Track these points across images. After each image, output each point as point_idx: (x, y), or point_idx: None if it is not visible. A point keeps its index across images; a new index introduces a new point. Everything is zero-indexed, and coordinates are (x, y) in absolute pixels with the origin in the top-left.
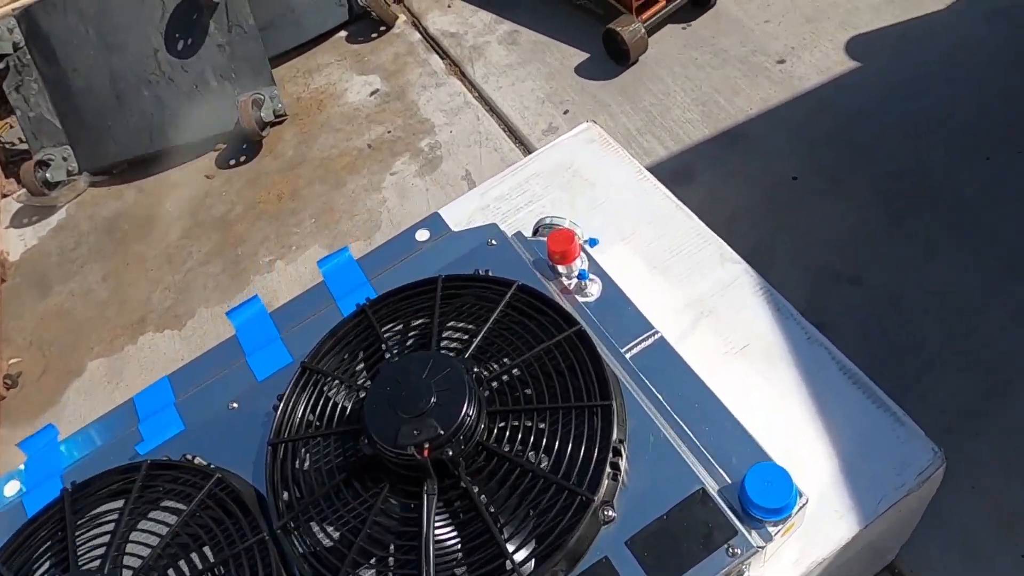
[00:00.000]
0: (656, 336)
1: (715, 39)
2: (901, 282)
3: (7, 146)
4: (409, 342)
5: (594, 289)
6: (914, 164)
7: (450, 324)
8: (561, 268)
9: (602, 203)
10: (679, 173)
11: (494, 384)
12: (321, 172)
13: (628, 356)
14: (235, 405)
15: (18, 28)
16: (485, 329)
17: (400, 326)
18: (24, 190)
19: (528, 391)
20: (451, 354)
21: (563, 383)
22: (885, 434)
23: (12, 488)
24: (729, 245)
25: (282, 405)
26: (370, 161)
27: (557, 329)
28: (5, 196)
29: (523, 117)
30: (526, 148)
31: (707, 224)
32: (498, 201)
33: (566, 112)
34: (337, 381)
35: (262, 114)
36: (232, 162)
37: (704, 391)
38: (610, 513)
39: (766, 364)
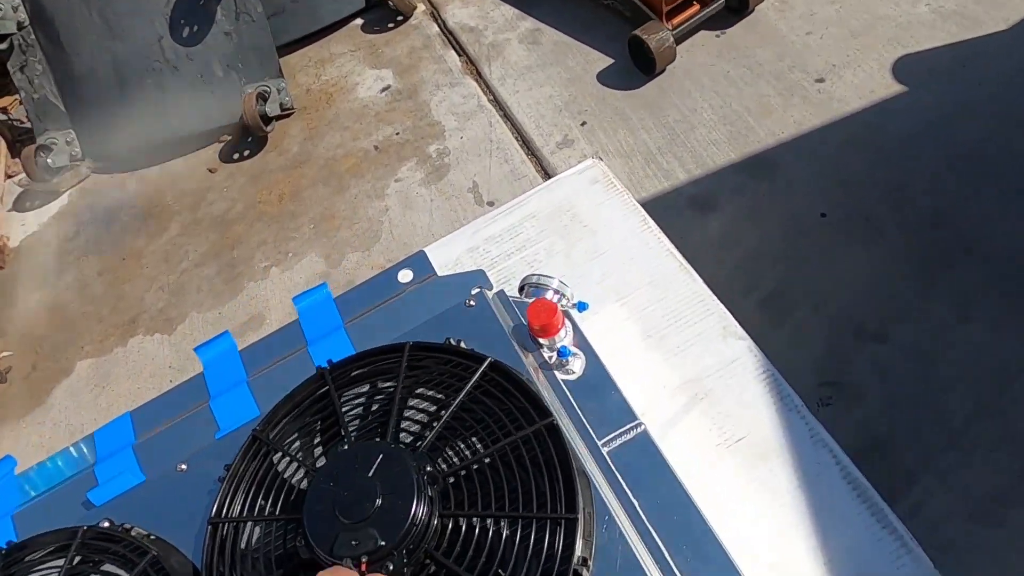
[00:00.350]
0: (639, 429)
1: (750, 50)
2: (931, 342)
3: (15, 123)
4: (369, 416)
5: (576, 366)
6: (957, 207)
7: (412, 403)
8: (543, 340)
9: (600, 255)
10: (699, 201)
11: (451, 479)
12: (325, 173)
13: (605, 450)
14: (184, 467)
15: (23, 7)
16: (447, 415)
17: (362, 398)
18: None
19: (488, 488)
20: (409, 439)
21: (527, 484)
22: (887, 560)
23: None
24: (746, 285)
25: (228, 478)
26: (375, 164)
27: (527, 420)
28: (10, 177)
29: (538, 127)
30: (538, 161)
31: (724, 261)
32: (488, 243)
33: (583, 124)
34: (288, 457)
35: (267, 108)
36: (236, 156)
37: (686, 502)
38: None
39: (762, 462)
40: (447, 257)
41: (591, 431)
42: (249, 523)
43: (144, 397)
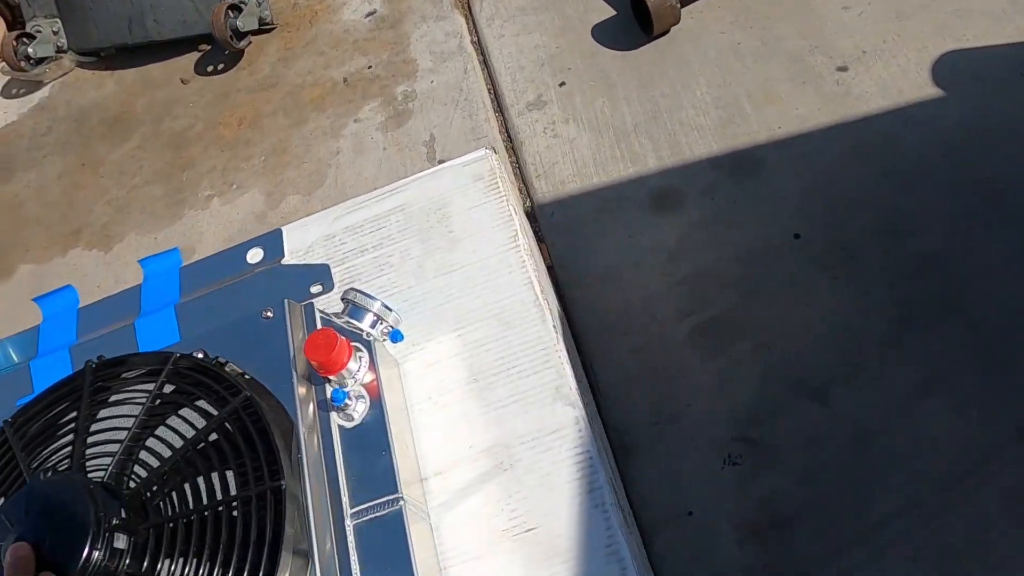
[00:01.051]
0: (395, 506)
1: (771, 22)
2: (878, 415)
3: (13, 6)
4: (62, 454)
5: (358, 410)
6: (958, 256)
7: (96, 429)
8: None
9: (454, 270)
10: (662, 196)
11: (144, 493)
12: (289, 102)
13: (352, 522)
14: None
15: None
16: (133, 427)
17: (50, 438)
18: None
19: (190, 490)
20: (103, 463)
21: (230, 550)
22: None
23: None
24: (686, 306)
25: None
26: (340, 99)
27: (220, 406)
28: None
29: (513, 80)
30: (503, 122)
31: (670, 274)
32: (347, 233)
33: (562, 84)
34: None
35: (241, 22)
36: (210, 68)
37: None
38: None
39: (545, 563)
40: (301, 241)
41: (344, 494)
42: None
43: None
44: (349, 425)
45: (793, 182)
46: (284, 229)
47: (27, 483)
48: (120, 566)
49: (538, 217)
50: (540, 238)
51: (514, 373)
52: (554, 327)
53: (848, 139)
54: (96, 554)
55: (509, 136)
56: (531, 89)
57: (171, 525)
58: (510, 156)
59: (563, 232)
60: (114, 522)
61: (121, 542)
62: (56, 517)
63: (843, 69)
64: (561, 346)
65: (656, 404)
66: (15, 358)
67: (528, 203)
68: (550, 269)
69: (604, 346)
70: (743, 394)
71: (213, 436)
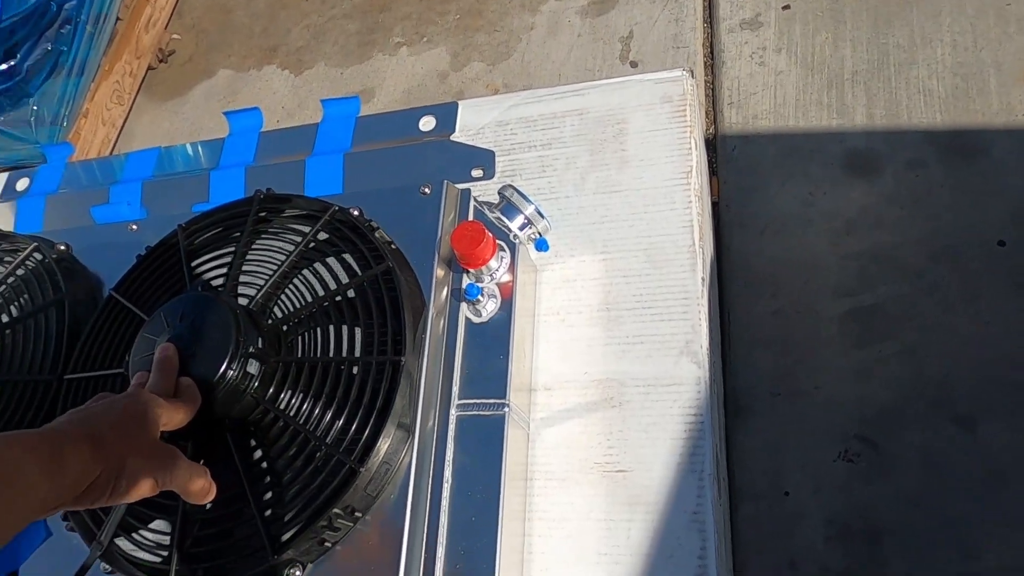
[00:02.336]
0: (501, 411)
1: None
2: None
3: None
4: (219, 271)
5: (488, 308)
6: None
7: (252, 258)
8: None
9: (615, 192)
10: (859, 159)
11: (281, 328)
12: None
13: (454, 410)
14: (135, 228)
15: None
16: (285, 264)
17: (211, 253)
18: None
19: (320, 337)
20: (249, 290)
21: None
22: None
23: (23, 183)
24: (847, 284)
25: (86, 332)
26: None
27: (364, 268)
28: None
29: None
30: (709, 35)
31: (840, 244)
32: (519, 123)
33: (786, 7)
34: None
35: None
36: None
37: (492, 516)
38: (296, 573)
39: (626, 509)
40: (474, 121)
41: (455, 384)
42: (94, 378)
43: None
44: (476, 320)
45: (1016, 181)
46: (460, 104)
47: (187, 292)
48: (248, 387)
49: (718, 148)
50: (713, 170)
51: (648, 314)
52: (703, 279)
53: None
54: (231, 372)
55: (711, 53)
56: (750, 5)
57: (298, 365)
58: (706, 75)
59: (739, 170)
60: (251, 349)
61: (253, 368)
62: (204, 330)
63: None
64: (704, 301)
65: (781, 375)
66: (202, 162)
67: (711, 130)
68: (714, 205)
69: (745, 300)
70: (880, 395)
71: (350, 293)
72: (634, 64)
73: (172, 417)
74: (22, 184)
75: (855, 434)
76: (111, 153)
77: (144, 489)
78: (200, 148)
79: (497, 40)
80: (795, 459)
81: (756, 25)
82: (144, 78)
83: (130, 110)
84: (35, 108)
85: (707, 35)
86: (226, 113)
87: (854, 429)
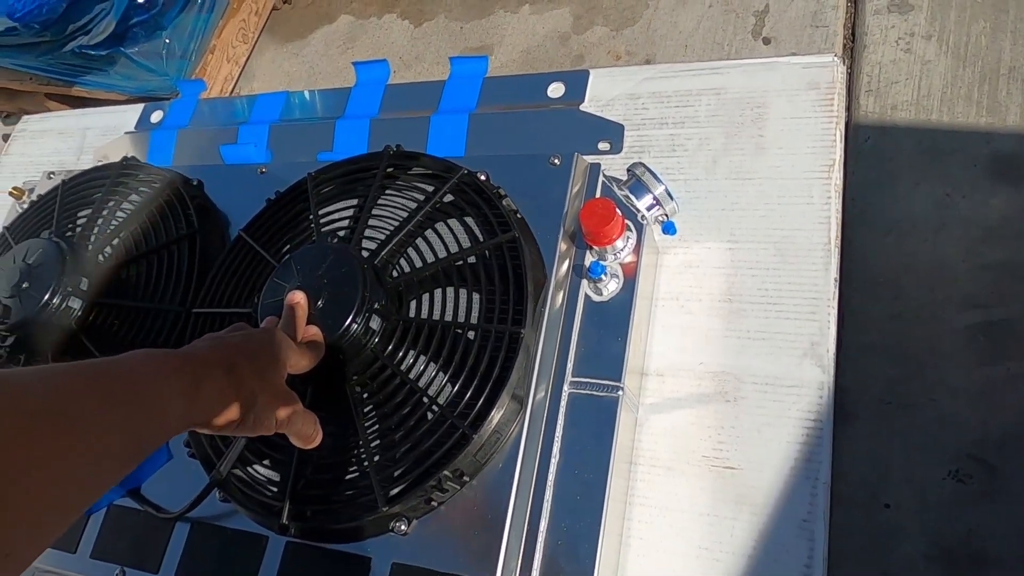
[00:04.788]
0: (615, 394)
1: None
2: None
3: None
4: (343, 222)
5: (609, 288)
6: None
7: (376, 212)
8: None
9: (748, 179)
10: (1006, 162)
11: (402, 287)
12: None
13: (567, 387)
14: (264, 171)
15: None
16: (412, 224)
17: (338, 204)
18: None
19: (440, 299)
20: (371, 244)
21: (478, 296)
22: None
23: (157, 116)
24: (977, 296)
25: (215, 269)
26: None
27: (488, 234)
28: None
29: None
30: (852, 15)
31: (976, 252)
32: (652, 98)
33: None
34: (263, 255)
35: None
36: None
37: (599, 497)
38: (402, 527)
39: (733, 506)
40: (605, 92)
41: (570, 361)
42: (221, 314)
43: None
44: (596, 298)
45: None
46: (591, 73)
47: (316, 242)
48: (369, 343)
49: (849, 137)
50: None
51: (773, 310)
52: (835, 279)
53: None
54: (354, 326)
55: (853, 35)
56: None
57: (418, 325)
58: (845, 58)
59: (872, 163)
60: (375, 305)
61: (375, 323)
62: (333, 281)
63: None
64: (835, 302)
65: (895, 384)
66: (328, 110)
67: (844, 117)
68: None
69: (863, 301)
70: (1003, 416)
71: (471, 259)
72: (767, 41)
73: (299, 362)
74: (156, 116)
75: (970, 454)
76: (233, 89)
77: (266, 426)
78: (326, 96)
79: (624, 5)
80: (900, 472)
81: (906, 8)
82: (268, 18)
83: (253, 48)
84: (167, 41)
85: (850, 15)
86: (355, 63)
87: (969, 449)
